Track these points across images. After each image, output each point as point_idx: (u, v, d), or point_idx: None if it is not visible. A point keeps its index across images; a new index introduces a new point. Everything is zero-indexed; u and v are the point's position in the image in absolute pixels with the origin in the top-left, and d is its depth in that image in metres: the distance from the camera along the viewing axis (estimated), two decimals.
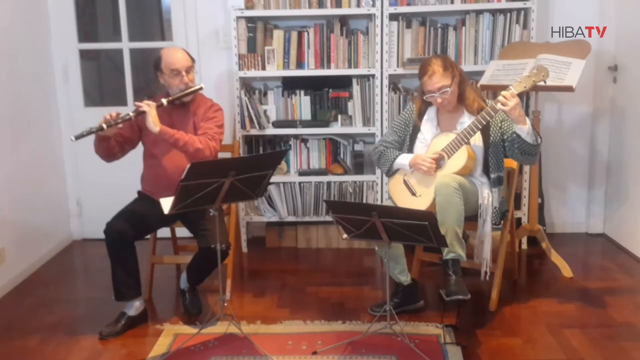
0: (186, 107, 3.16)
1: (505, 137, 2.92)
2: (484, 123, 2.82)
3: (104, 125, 2.83)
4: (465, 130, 2.84)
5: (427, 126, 3.02)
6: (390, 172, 3.08)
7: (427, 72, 2.87)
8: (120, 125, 2.91)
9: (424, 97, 2.95)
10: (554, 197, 4.30)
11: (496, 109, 2.76)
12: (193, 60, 3.15)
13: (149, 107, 2.89)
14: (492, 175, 2.96)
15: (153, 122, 2.89)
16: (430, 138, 2.99)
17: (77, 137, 2.79)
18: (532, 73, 2.77)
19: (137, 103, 2.93)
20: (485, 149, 2.95)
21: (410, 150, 3.06)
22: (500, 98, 2.72)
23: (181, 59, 3.09)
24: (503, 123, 2.92)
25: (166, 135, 2.93)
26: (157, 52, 3.16)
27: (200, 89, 3.12)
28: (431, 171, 2.87)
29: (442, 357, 2.67)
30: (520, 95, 2.75)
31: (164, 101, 2.99)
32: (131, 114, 2.91)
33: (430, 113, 3.04)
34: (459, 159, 2.87)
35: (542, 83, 2.79)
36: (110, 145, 3.03)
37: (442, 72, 2.85)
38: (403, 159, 3.00)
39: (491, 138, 2.94)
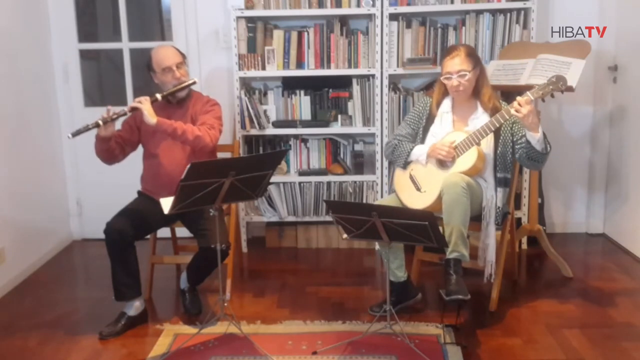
0: (183, 106, 3.16)
1: (515, 139, 2.92)
2: (497, 125, 2.82)
3: (100, 122, 2.84)
4: (477, 131, 2.83)
5: (441, 119, 3.03)
6: (406, 165, 3.07)
7: (450, 53, 2.93)
8: (116, 121, 2.91)
9: (441, 78, 2.97)
10: (554, 197, 4.30)
11: (510, 113, 2.76)
12: (183, 55, 3.17)
13: (142, 103, 2.90)
14: (499, 175, 2.95)
15: (149, 115, 2.89)
16: (442, 134, 2.99)
17: (74, 134, 2.80)
18: (551, 81, 2.74)
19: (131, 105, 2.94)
20: (495, 149, 2.95)
21: (422, 142, 3.06)
22: (515, 104, 2.71)
23: (170, 55, 3.09)
24: (514, 125, 2.92)
25: (164, 125, 2.93)
26: (147, 53, 3.17)
27: (194, 83, 3.13)
28: (449, 156, 2.88)
29: (442, 357, 2.67)
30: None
31: (158, 96, 3.00)
32: (126, 109, 2.92)
33: (446, 105, 3.04)
34: (469, 159, 2.86)
35: (559, 92, 2.77)
36: (111, 147, 3.03)
37: (465, 57, 2.89)
38: (420, 149, 3.01)
39: (501, 138, 2.94)
